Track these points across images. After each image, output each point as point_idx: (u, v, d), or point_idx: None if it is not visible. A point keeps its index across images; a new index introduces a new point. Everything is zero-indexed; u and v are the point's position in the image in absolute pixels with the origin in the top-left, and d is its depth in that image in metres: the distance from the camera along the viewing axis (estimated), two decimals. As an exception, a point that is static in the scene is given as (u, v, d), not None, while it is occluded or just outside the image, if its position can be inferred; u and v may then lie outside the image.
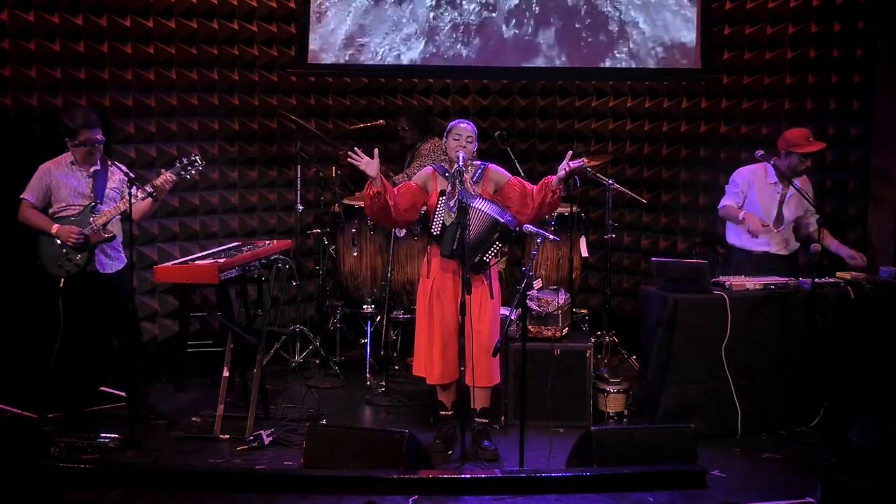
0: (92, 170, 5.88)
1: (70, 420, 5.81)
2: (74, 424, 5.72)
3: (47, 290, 5.84)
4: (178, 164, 5.93)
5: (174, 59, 7.18)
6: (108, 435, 5.52)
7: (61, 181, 5.85)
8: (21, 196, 5.87)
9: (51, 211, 5.86)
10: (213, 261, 5.59)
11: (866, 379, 5.90)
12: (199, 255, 6.00)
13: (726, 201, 6.42)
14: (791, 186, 6.25)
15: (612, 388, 6.15)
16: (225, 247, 6.13)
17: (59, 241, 5.77)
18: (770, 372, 5.92)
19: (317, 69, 7.72)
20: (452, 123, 5.67)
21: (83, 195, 5.85)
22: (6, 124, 6.48)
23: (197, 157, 5.94)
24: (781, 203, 6.34)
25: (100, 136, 5.86)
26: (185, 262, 5.75)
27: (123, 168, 5.85)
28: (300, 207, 7.13)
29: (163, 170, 5.95)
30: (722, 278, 6.03)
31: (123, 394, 6.12)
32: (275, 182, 7.76)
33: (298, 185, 7.11)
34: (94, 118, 5.88)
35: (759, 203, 6.36)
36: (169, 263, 5.86)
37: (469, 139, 5.54)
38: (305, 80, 7.82)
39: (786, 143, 6.32)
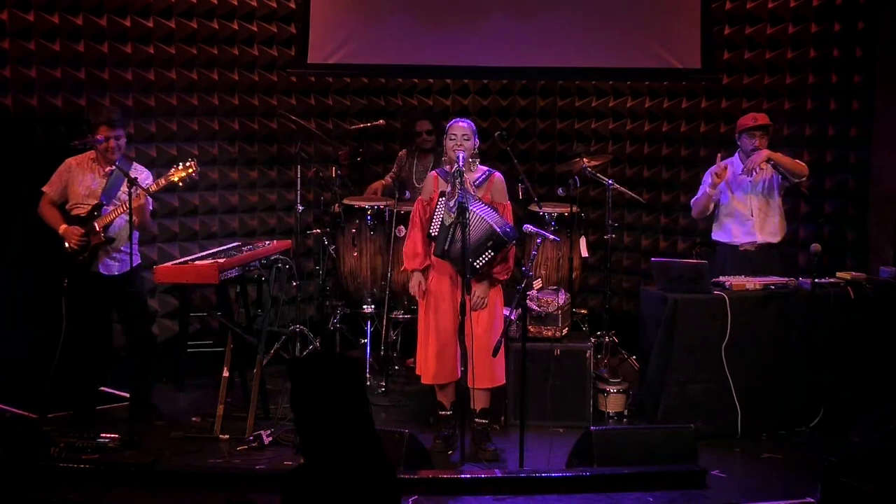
0: (108, 169, 5.84)
1: (70, 420, 5.80)
2: (74, 424, 5.72)
3: (50, 290, 5.83)
4: (173, 168, 5.90)
5: (174, 59, 7.18)
6: (108, 435, 5.51)
7: (77, 178, 5.84)
8: (42, 188, 5.87)
9: (67, 206, 5.86)
10: (213, 261, 5.59)
11: (866, 379, 5.90)
12: (199, 255, 6.00)
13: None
14: (756, 167, 6.23)
15: (612, 388, 6.15)
16: (225, 247, 6.12)
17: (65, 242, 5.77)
18: (770, 372, 5.91)
19: (317, 69, 7.70)
20: (449, 123, 5.66)
21: (94, 195, 5.83)
22: (6, 124, 6.47)
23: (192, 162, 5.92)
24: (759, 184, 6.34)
25: (118, 134, 5.82)
26: (185, 262, 5.75)
27: (145, 171, 5.88)
28: (300, 207, 7.13)
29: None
30: (722, 278, 6.02)
31: (126, 394, 6.11)
32: (275, 182, 7.75)
33: (298, 185, 7.11)
34: (117, 118, 5.86)
35: (742, 197, 6.33)
36: (169, 263, 5.85)
37: (465, 137, 5.50)
38: (305, 80, 7.82)
39: (736, 129, 6.44)
